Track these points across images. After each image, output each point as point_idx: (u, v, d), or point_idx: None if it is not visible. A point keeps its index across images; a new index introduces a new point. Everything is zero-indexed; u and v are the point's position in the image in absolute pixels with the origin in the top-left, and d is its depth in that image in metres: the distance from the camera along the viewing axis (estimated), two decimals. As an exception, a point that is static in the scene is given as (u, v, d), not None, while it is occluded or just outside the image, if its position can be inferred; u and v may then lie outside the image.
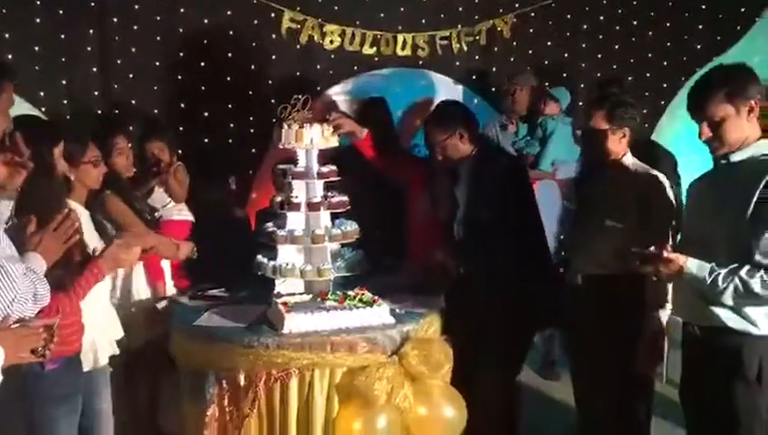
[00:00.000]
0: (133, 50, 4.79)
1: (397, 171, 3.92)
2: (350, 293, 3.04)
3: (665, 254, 2.44)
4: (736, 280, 2.35)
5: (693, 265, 2.42)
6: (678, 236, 2.86)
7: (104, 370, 2.98)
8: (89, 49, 4.69)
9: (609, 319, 3.02)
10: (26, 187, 2.47)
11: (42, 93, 4.54)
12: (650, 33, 5.82)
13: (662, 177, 3.05)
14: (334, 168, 3.29)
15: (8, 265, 2.02)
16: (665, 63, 5.85)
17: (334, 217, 3.31)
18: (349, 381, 2.79)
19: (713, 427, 2.53)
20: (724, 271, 2.37)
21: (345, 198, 3.28)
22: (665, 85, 5.84)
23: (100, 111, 4.72)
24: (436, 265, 3.38)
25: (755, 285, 2.33)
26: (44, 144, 2.62)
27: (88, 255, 2.75)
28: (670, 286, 2.80)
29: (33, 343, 2.08)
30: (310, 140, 3.18)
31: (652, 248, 2.47)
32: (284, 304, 2.94)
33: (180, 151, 4.44)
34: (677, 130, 5.60)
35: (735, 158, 2.47)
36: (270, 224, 3.31)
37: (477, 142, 3.49)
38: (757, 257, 2.34)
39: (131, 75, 4.80)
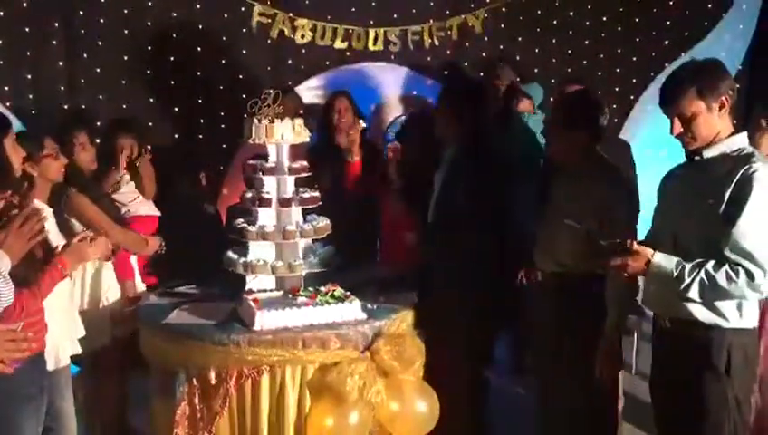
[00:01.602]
0: (100, 44, 4.72)
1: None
2: (322, 289, 3.02)
3: (633, 247, 2.45)
4: (702, 274, 2.37)
5: (660, 258, 2.43)
6: (647, 231, 2.87)
7: (66, 369, 2.94)
8: (54, 43, 4.62)
9: (568, 319, 3.02)
10: None
11: (6, 88, 4.47)
12: (619, 28, 5.87)
13: (625, 174, 3.05)
14: (305, 163, 3.26)
15: None
16: (634, 59, 5.90)
17: (305, 212, 3.28)
18: (320, 377, 2.78)
19: (682, 419, 2.55)
20: (689, 265, 2.39)
21: (316, 194, 3.26)
22: (634, 80, 5.90)
23: (66, 106, 4.65)
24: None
25: (720, 279, 2.35)
26: None
27: (51, 252, 2.70)
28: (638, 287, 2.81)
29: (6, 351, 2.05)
30: (281, 136, 3.14)
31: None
32: (255, 300, 2.91)
33: (149, 147, 4.39)
34: (647, 125, 5.67)
35: (708, 154, 2.48)
36: (241, 220, 3.27)
37: (468, 130, 3.45)
38: (726, 252, 2.36)
39: (98, 70, 4.73)
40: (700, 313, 2.44)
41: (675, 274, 2.39)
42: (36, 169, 2.93)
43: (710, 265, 2.37)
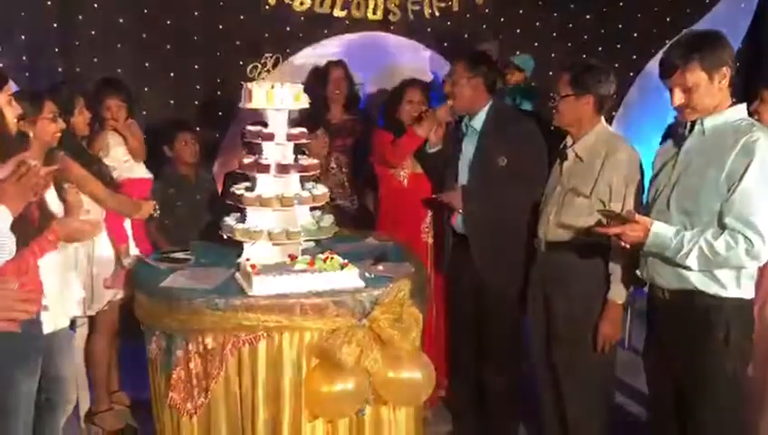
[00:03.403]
0: (95, 6, 4.66)
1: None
2: (320, 256, 3.00)
3: (633, 216, 2.45)
4: (701, 242, 2.37)
5: (658, 226, 2.43)
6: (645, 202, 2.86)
7: (65, 332, 2.92)
8: (48, 3, 4.55)
9: (569, 288, 3.04)
10: None
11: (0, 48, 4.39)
12: (621, 3, 5.84)
13: (629, 149, 3.04)
14: (305, 130, 3.23)
15: None
16: (635, 35, 5.87)
17: (304, 180, 3.25)
18: (317, 344, 2.77)
19: (678, 390, 2.56)
20: (689, 233, 2.40)
21: (316, 161, 3.23)
22: (634, 57, 5.87)
23: (60, 69, 4.59)
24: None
25: (719, 246, 2.35)
26: None
27: (47, 218, 2.66)
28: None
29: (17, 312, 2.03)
30: (280, 101, 3.10)
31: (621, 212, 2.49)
32: (253, 266, 2.89)
33: (144, 112, 4.34)
34: (646, 101, 5.65)
35: (709, 123, 2.48)
36: (238, 186, 3.24)
37: (492, 97, 3.63)
38: (726, 220, 2.37)
39: (93, 32, 4.67)
40: (700, 282, 2.45)
41: (673, 242, 2.40)
42: (33, 129, 2.88)
43: (709, 233, 2.37)
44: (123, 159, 3.83)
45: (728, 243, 2.35)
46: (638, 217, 2.45)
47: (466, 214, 3.56)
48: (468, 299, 3.65)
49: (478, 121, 3.60)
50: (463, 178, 3.63)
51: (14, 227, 2.28)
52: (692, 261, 2.39)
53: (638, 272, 2.72)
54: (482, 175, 3.55)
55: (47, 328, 2.76)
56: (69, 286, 3.00)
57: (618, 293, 2.92)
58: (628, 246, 2.50)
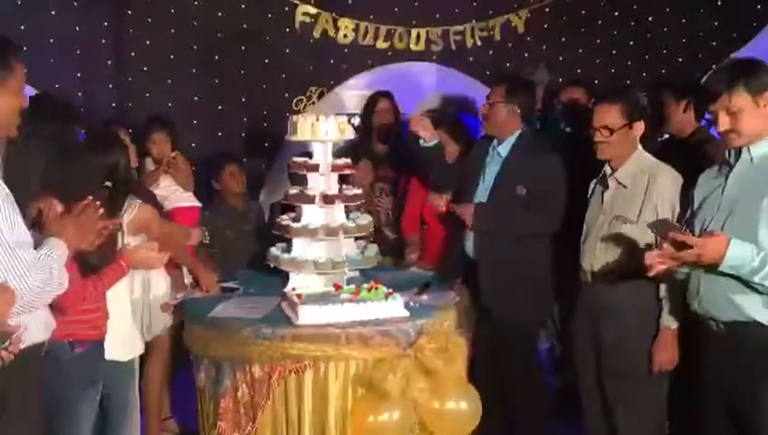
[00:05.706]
0: (147, 42, 4.82)
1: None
2: (365, 286, 3.03)
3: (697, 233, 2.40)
4: None
5: (736, 244, 2.32)
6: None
7: (132, 362, 2.99)
8: (103, 41, 4.73)
9: (619, 317, 3.00)
10: (49, 168, 2.47)
11: (56, 85, 4.55)
12: (665, 29, 5.79)
13: (672, 172, 3.02)
14: (349, 160, 3.28)
15: (20, 251, 2.02)
16: (680, 60, 5.81)
17: (348, 210, 3.30)
18: (363, 373, 2.78)
19: (736, 425, 2.49)
20: (763, 251, 2.30)
21: (360, 192, 3.28)
22: (680, 82, 5.81)
23: (113, 104, 4.75)
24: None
25: None
26: (68, 124, 2.61)
27: (114, 246, 2.75)
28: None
29: None
30: (325, 133, 3.17)
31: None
32: (299, 295, 2.93)
33: (193, 144, 4.47)
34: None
35: (757, 151, 2.45)
36: (285, 216, 3.30)
37: (525, 126, 3.61)
38: None
39: (145, 68, 4.82)
40: (758, 313, 2.38)
41: (756, 259, 2.30)
42: None
43: None
44: (172, 188, 3.94)
45: None
46: (713, 231, 2.40)
47: (475, 231, 3.52)
48: (480, 326, 3.60)
49: (505, 148, 3.57)
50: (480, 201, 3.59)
51: (90, 254, 2.39)
52: None
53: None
54: (499, 202, 3.52)
55: (120, 356, 2.83)
56: (138, 315, 3.08)
57: (671, 318, 2.88)
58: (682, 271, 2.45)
